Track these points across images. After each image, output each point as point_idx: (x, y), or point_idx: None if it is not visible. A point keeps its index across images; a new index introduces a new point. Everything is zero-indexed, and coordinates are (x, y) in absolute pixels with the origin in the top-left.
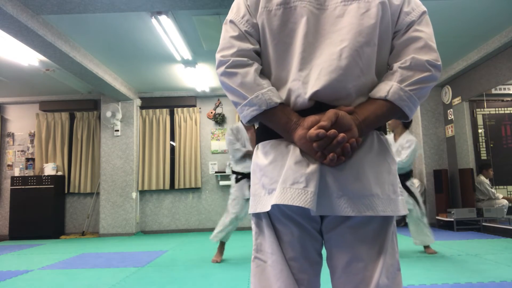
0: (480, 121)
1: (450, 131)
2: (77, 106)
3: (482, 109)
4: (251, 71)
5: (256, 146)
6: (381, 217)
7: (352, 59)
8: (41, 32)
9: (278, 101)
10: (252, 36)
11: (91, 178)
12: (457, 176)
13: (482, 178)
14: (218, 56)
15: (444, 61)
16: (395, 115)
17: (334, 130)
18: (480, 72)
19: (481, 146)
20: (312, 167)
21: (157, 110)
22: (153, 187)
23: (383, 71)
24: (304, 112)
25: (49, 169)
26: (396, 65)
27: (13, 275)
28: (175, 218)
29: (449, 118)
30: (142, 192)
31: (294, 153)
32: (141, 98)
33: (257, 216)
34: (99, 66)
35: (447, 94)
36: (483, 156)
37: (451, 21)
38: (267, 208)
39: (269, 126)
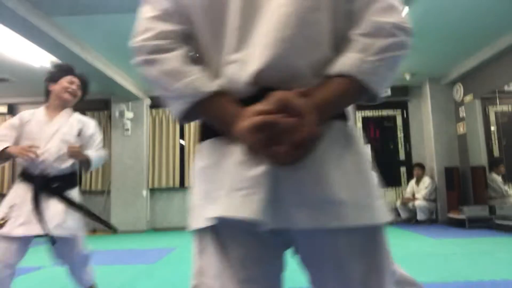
0: (492, 118)
1: (461, 128)
2: (88, 106)
3: (494, 106)
4: (176, 56)
5: (197, 146)
6: (364, 227)
7: (298, 29)
8: (52, 34)
9: (211, 89)
10: (176, 15)
11: (102, 177)
12: (469, 174)
13: (495, 175)
14: (133, 43)
15: (455, 58)
16: (360, 94)
17: (280, 115)
18: (492, 69)
19: (493, 144)
20: (260, 168)
21: (167, 109)
22: (163, 185)
23: (344, 45)
24: (248, 101)
25: None
26: (355, 34)
27: (26, 271)
28: (185, 215)
29: (460, 116)
30: (152, 190)
31: (236, 152)
32: (150, 98)
33: (199, 232)
34: (109, 66)
35: (458, 91)
36: (496, 153)
37: (463, 18)
38: (208, 222)
39: (207, 121)
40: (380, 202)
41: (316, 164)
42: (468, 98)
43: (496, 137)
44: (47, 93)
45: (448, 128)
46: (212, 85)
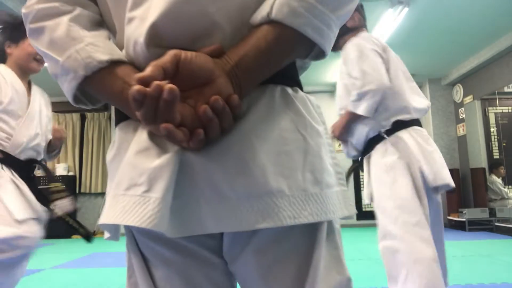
0: (492, 119)
1: (461, 130)
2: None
3: (494, 108)
4: (64, 21)
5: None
6: (305, 225)
7: None
8: None
9: (105, 58)
10: None
11: (102, 178)
12: (469, 176)
13: (494, 177)
14: (23, 9)
15: (455, 59)
16: (295, 47)
17: (165, 83)
18: (492, 70)
19: (493, 145)
20: (164, 157)
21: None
22: None
23: None
24: None
25: (60, 169)
26: None
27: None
28: None
29: (460, 117)
30: None
31: (139, 137)
32: None
33: (128, 237)
34: None
35: (458, 92)
36: (496, 155)
37: (463, 19)
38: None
39: (106, 100)
40: (336, 190)
41: (238, 147)
42: (468, 99)
43: (496, 139)
44: (1, 56)
45: (448, 130)
46: (109, 53)
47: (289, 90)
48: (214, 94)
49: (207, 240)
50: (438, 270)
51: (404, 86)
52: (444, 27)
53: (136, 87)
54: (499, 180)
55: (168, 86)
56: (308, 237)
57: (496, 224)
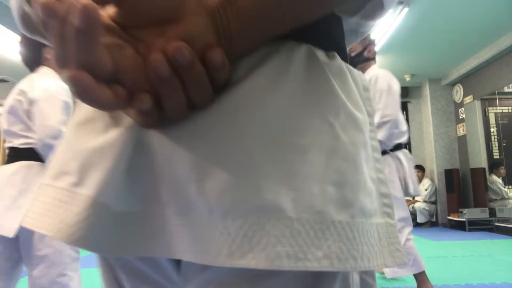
0: (492, 119)
1: (461, 130)
2: None
3: (494, 108)
4: None
5: None
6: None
7: None
8: None
9: None
10: None
11: None
12: (469, 176)
13: (495, 177)
14: None
15: (455, 59)
16: None
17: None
18: (492, 70)
19: (493, 145)
20: (112, 133)
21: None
22: None
23: None
24: None
25: None
26: None
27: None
28: None
29: (460, 117)
30: None
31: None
32: None
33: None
34: None
35: (458, 92)
36: (496, 155)
37: (463, 19)
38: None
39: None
40: (374, 222)
41: (222, 129)
42: (468, 99)
43: (496, 139)
44: (38, 61)
45: (448, 130)
46: None
47: (321, 54)
48: (179, 39)
49: (162, 259)
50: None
51: (401, 115)
52: (444, 27)
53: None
54: (499, 180)
55: (82, 3)
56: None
57: (496, 224)
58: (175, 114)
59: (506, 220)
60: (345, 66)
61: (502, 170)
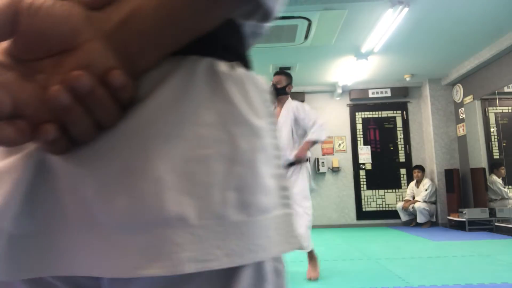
0: (492, 119)
1: (461, 130)
2: None
3: (494, 108)
4: None
5: None
6: (216, 270)
7: None
8: None
9: None
10: None
11: None
12: (469, 176)
13: (495, 177)
14: None
15: (455, 59)
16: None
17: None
18: (492, 70)
19: (493, 145)
20: (12, 158)
21: None
22: None
23: None
24: None
25: None
26: None
27: None
28: None
29: (460, 117)
30: None
31: None
32: None
33: None
34: None
35: (458, 92)
36: (496, 155)
37: (463, 19)
38: None
39: None
40: (272, 216)
41: (126, 146)
42: (468, 99)
43: (496, 139)
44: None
45: (448, 130)
46: None
47: (221, 65)
48: (77, 68)
49: (80, 278)
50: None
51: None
52: (444, 27)
53: None
54: (499, 180)
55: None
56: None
57: (496, 224)
58: (84, 137)
59: (506, 220)
60: (245, 74)
61: (502, 170)
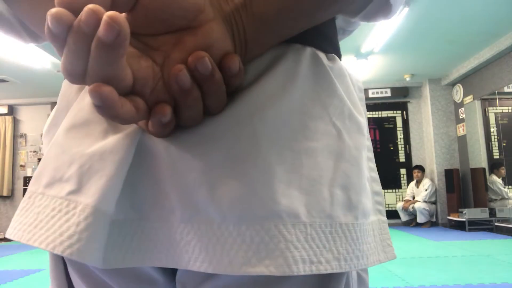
0: (492, 119)
1: (461, 130)
2: None
3: (494, 108)
4: None
5: None
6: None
7: None
8: None
9: None
10: None
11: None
12: (469, 176)
13: (495, 177)
14: None
15: (455, 59)
16: None
17: (103, 10)
18: (492, 70)
19: (493, 145)
20: (112, 139)
21: None
22: None
23: None
24: None
25: None
26: None
27: (25, 274)
28: None
29: (460, 117)
30: None
31: (80, 102)
32: None
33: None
34: None
35: (458, 92)
36: (496, 155)
37: (463, 19)
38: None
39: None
40: (370, 221)
41: (234, 134)
42: (468, 99)
43: (496, 139)
44: None
45: (448, 130)
46: None
47: (323, 56)
48: (198, 48)
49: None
50: None
51: None
52: (444, 27)
53: (54, 10)
54: (499, 180)
55: (109, 15)
56: None
57: (496, 224)
58: (191, 122)
59: (506, 220)
60: (345, 68)
61: (502, 170)
